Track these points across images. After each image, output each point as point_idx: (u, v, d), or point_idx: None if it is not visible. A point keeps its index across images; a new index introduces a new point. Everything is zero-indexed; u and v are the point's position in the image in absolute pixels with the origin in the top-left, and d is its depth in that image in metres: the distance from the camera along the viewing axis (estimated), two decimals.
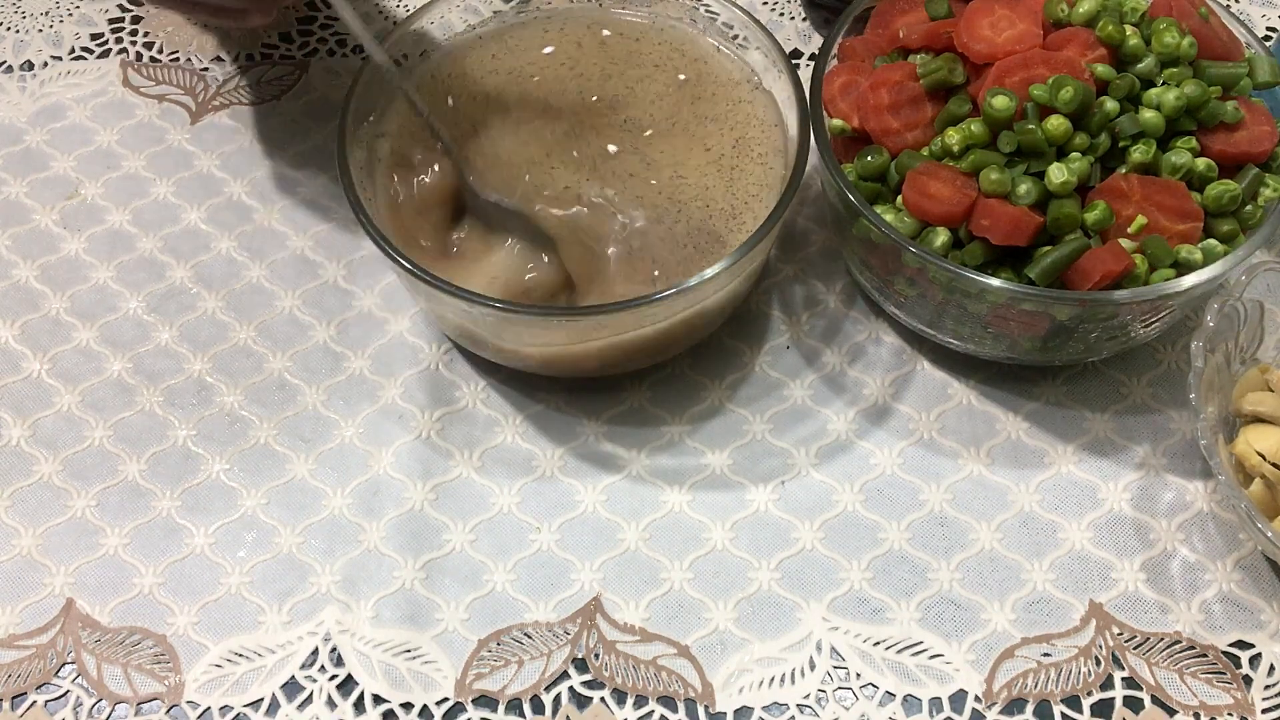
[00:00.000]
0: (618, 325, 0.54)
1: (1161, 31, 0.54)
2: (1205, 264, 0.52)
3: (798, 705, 0.52)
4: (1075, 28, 0.55)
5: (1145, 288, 0.51)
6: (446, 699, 0.52)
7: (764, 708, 0.52)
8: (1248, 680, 0.52)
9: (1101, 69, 0.53)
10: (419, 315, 0.62)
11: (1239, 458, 0.53)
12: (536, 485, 0.57)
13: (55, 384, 0.60)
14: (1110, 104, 0.53)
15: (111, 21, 0.75)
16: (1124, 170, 0.53)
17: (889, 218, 0.54)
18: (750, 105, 0.61)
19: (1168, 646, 0.53)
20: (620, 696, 0.52)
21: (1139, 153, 0.53)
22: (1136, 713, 0.51)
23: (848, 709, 0.52)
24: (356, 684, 0.52)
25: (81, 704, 0.52)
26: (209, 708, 0.52)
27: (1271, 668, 0.52)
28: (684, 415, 0.59)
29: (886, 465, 0.57)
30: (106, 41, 0.74)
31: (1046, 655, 0.52)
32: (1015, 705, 0.51)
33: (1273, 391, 0.55)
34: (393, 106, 0.60)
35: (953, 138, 0.54)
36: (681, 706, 0.52)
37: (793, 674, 0.52)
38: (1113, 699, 0.52)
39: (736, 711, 0.52)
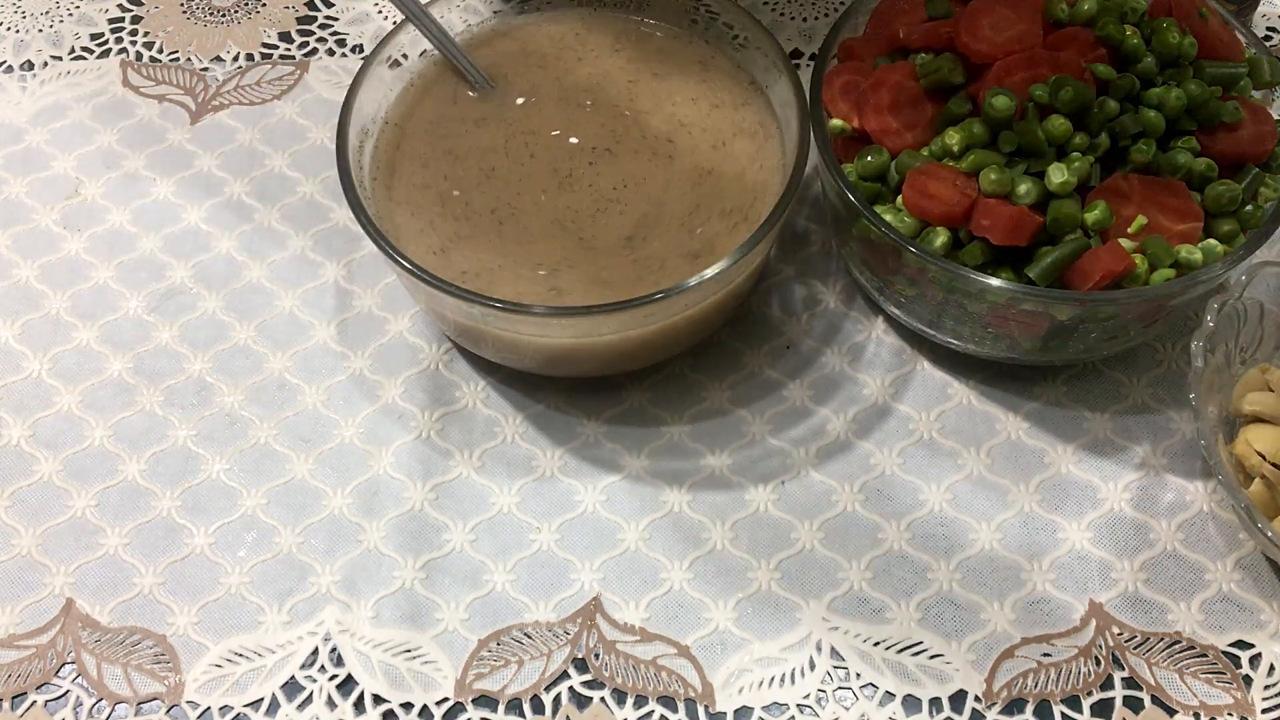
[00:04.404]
0: (617, 324, 0.54)
1: (1162, 31, 0.54)
2: (1205, 264, 0.52)
3: (798, 705, 0.52)
4: (1075, 28, 0.55)
5: (1145, 288, 0.51)
6: (446, 699, 0.52)
7: (764, 708, 0.52)
8: (1248, 680, 0.52)
9: (1102, 69, 0.53)
10: (419, 315, 0.62)
11: (1239, 458, 0.53)
12: (536, 485, 0.57)
13: (55, 384, 0.60)
14: (1111, 104, 0.53)
15: (111, 21, 0.75)
16: (1124, 170, 0.53)
17: (889, 218, 0.54)
18: (750, 105, 0.61)
19: (1168, 646, 0.53)
20: (620, 696, 0.52)
21: (1139, 153, 0.53)
22: (1136, 713, 0.51)
23: (848, 709, 0.52)
24: (356, 684, 0.52)
25: (81, 704, 0.52)
26: (209, 708, 0.52)
27: (1271, 668, 0.52)
28: (684, 415, 0.59)
29: (886, 465, 0.57)
30: (106, 41, 0.74)
31: (1046, 655, 0.52)
32: (1015, 705, 0.51)
33: (1273, 391, 0.55)
34: (393, 106, 0.61)
35: (953, 138, 0.54)
36: (681, 706, 0.52)
37: (793, 674, 0.52)
38: (1113, 699, 0.52)
39: (736, 711, 0.52)
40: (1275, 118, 0.56)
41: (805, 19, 0.74)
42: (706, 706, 0.52)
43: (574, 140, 0.59)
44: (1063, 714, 0.51)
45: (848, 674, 0.52)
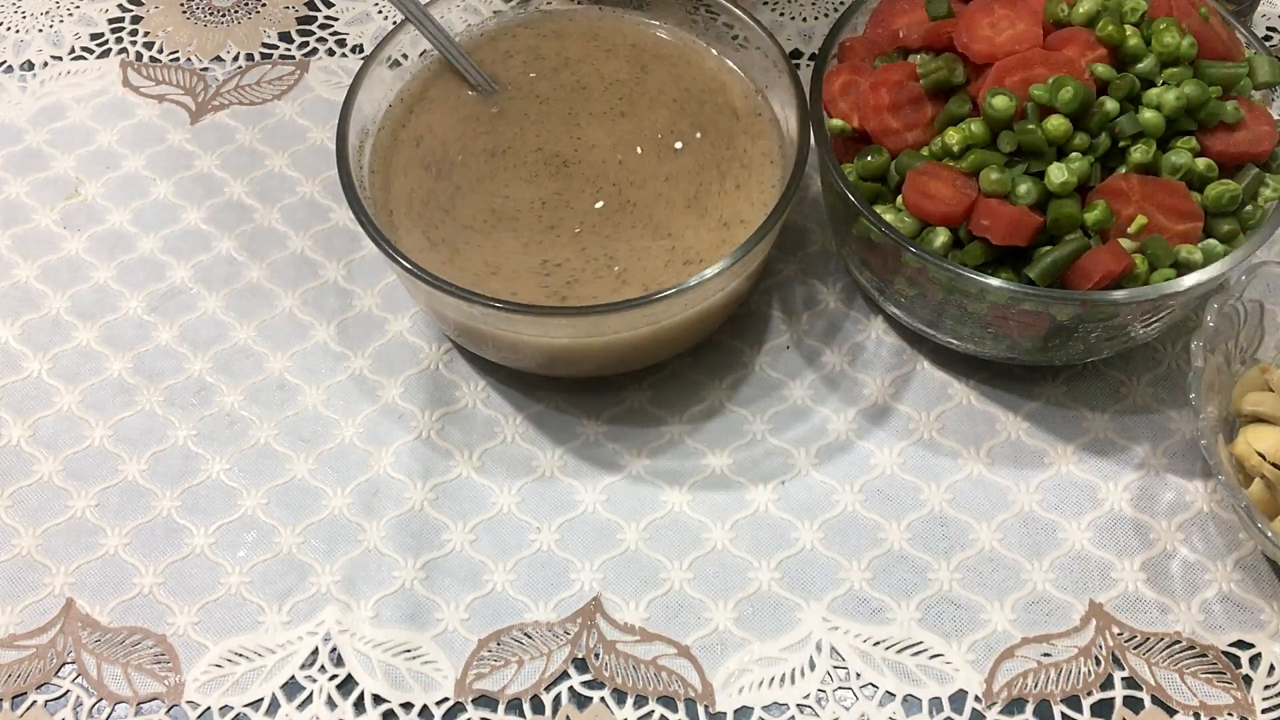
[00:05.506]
0: (617, 324, 0.54)
1: (1161, 31, 0.54)
2: (1205, 264, 0.52)
3: (798, 705, 0.52)
4: (1075, 28, 0.55)
5: (1145, 288, 0.51)
6: (446, 699, 0.52)
7: (764, 708, 0.52)
8: (1248, 680, 0.52)
9: (1101, 69, 0.53)
10: (419, 315, 0.62)
11: (1239, 458, 0.53)
12: (536, 485, 0.57)
13: (55, 384, 0.60)
14: (1110, 104, 0.53)
15: (111, 21, 0.75)
16: (1124, 170, 0.53)
17: (889, 218, 0.54)
18: (750, 105, 0.61)
19: (1168, 646, 0.53)
20: (620, 696, 0.52)
21: (1139, 153, 0.53)
22: (1136, 713, 0.51)
23: (848, 709, 0.52)
24: (356, 684, 0.52)
25: (81, 704, 0.52)
26: (209, 708, 0.52)
27: (1271, 668, 0.52)
28: (684, 415, 0.59)
29: (886, 465, 0.57)
30: (106, 41, 0.74)
31: (1046, 655, 0.52)
32: (1015, 705, 0.51)
33: (1273, 391, 0.55)
34: (393, 106, 0.61)
35: (953, 138, 0.54)
36: (681, 706, 0.52)
37: (793, 674, 0.52)
38: (1113, 699, 0.52)
39: (736, 711, 0.52)
40: (1275, 118, 0.56)
41: (805, 19, 0.74)
42: (706, 706, 0.52)
43: (575, 141, 0.59)
44: (1063, 714, 0.51)
45: (848, 674, 0.52)
